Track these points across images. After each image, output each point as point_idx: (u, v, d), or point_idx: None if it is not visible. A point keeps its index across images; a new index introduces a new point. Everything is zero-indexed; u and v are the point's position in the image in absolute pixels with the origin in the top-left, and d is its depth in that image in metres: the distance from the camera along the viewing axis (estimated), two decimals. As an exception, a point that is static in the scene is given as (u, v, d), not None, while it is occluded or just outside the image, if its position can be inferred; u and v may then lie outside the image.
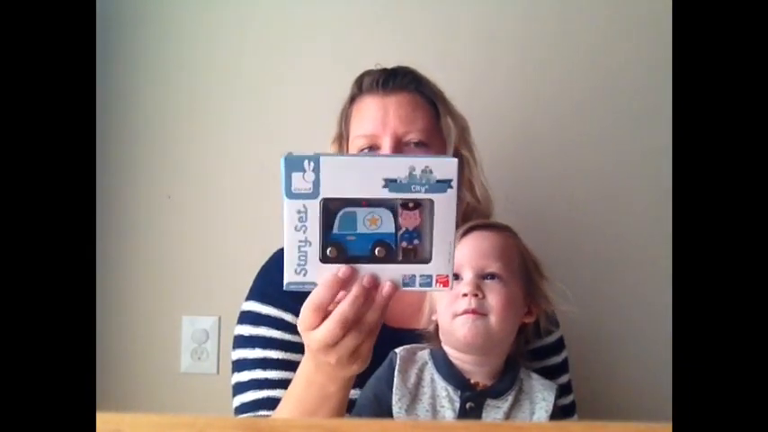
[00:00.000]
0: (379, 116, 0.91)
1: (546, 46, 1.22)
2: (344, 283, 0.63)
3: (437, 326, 0.84)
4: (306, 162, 0.61)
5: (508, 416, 0.80)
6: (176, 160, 1.23)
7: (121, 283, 1.22)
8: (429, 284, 0.66)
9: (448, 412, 0.80)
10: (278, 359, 0.89)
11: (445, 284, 0.66)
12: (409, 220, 0.64)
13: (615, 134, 1.22)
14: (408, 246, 0.65)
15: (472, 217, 0.91)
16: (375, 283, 0.63)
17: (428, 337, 0.86)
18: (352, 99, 0.96)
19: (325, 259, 0.63)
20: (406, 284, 0.65)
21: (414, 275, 0.65)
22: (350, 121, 0.95)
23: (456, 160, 0.63)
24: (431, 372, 0.83)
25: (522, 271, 0.83)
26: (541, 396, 0.82)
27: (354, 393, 0.90)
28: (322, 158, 0.61)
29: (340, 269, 0.62)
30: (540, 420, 0.80)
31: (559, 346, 0.95)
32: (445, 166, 0.62)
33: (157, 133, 1.22)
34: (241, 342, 0.92)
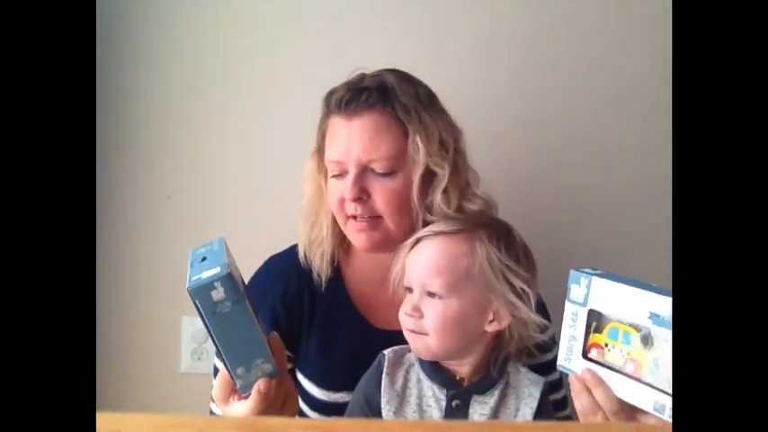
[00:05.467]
0: (343, 142, 0.88)
1: (546, 46, 1.21)
2: (266, 395, 0.69)
3: None
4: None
5: (495, 411, 0.80)
6: (176, 160, 1.22)
7: (121, 284, 1.22)
8: None
9: (435, 412, 0.80)
10: None
11: None
12: None
13: (615, 134, 1.22)
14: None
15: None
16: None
17: None
18: (325, 116, 0.93)
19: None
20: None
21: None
22: (325, 139, 0.93)
23: None
24: (417, 372, 0.83)
25: (479, 279, 0.80)
26: (528, 392, 0.83)
27: (342, 397, 0.91)
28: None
29: (259, 384, 0.68)
30: (525, 417, 0.80)
31: (550, 344, 0.94)
32: None
33: (157, 133, 1.22)
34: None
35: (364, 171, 0.88)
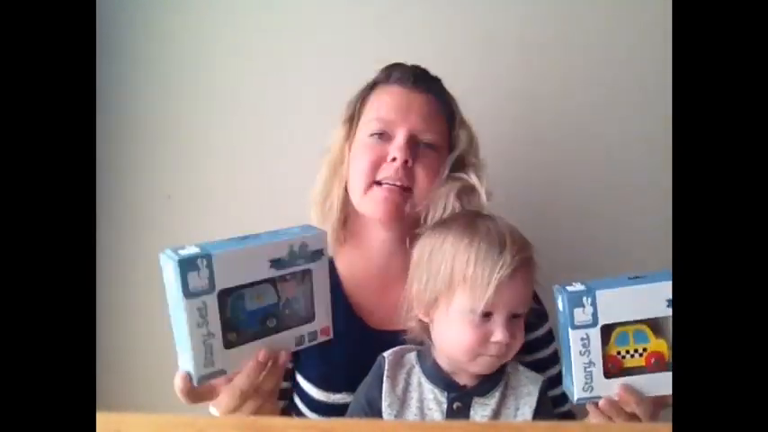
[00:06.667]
0: (402, 107, 0.92)
1: (546, 45, 1.21)
2: (264, 365, 0.70)
3: (422, 324, 0.84)
4: (199, 260, 0.63)
5: (496, 412, 0.80)
6: (176, 160, 1.23)
7: (121, 283, 1.22)
8: (315, 338, 0.75)
9: (436, 414, 0.80)
10: None
11: (326, 333, 0.76)
12: (289, 290, 0.72)
13: (615, 133, 1.22)
14: (291, 311, 0.73)
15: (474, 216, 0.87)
16: (269, 356, 0.70)
17: (414, 335, 0.85)
18: (374, 84, 0.96)
19: (227, 345, 0.68)
20: (298, 344, 0.74)
21: (303, 335, 0.74)
22: (366, 104, 0.95)
23: (325, 232, 0.73)
24: (418, 375, 0.83)
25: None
26: (527, 390, 0.82)
27: (342, 398, 0.91)
28: (214, 254, 0.64)
29: (259, 354, 0.69)
30: (525, 416, 0.80)
31: (548, 338, 0.95)
32: (317, 239, 0.72)
33: (157, 133, 1.22)
34: None
35: (412, 140, 0.91)
